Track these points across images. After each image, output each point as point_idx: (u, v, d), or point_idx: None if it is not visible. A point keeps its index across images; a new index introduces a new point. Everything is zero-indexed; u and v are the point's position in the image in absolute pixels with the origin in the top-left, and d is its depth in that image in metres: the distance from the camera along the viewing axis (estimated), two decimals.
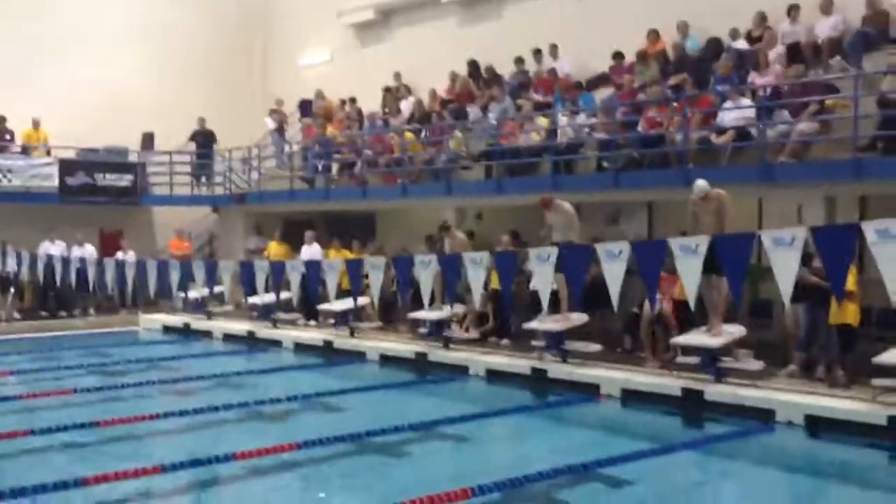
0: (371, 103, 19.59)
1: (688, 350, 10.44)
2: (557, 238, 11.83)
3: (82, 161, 19.83)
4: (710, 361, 9.99)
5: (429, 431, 8.80)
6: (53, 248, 18.06)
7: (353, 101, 20.09)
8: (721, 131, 12.17)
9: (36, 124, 19.58)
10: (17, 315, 17.98)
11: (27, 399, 10.35)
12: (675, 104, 13.00)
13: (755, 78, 12.82)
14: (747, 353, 10.26)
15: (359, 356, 13.66)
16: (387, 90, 19.70)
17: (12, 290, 17.91)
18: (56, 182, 19.17)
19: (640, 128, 13.29)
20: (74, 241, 18.41)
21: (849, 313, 9.56)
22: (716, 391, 9.63)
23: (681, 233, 11.06)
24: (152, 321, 18.03)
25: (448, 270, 11.68)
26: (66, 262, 16.44)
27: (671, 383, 10.08)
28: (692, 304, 9.24)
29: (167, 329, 17.53)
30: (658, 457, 7.76)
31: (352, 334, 14.56)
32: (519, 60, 17.07)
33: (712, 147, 12.22)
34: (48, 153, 19.64)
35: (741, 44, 13.69)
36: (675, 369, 10.46)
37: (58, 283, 16.86)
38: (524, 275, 12.59)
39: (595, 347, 11.67)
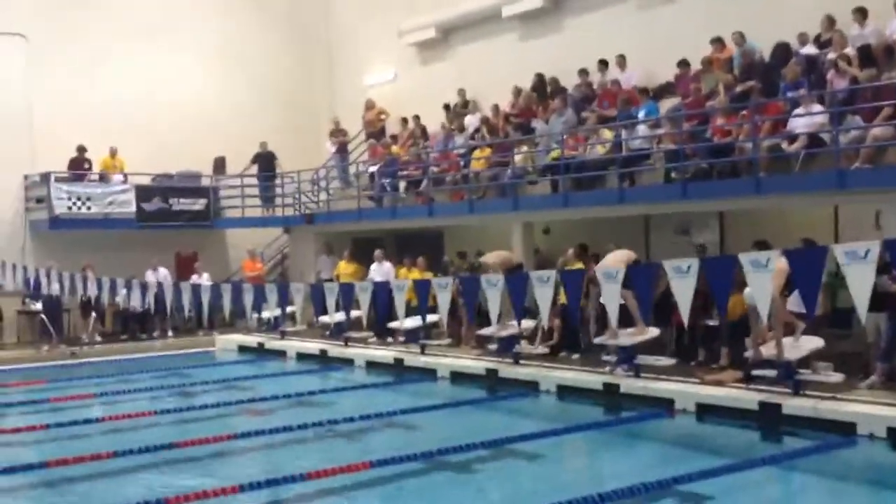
0: (435, 121, 19.74)
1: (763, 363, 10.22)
2: None
3: (158, 187, 20.40)
4: (788, 374, 9.76)
5: (501, 449, 8.77)
6: (156, 276, 18.39)
7: (417, 118, 20.26)
8: (792, 138, 11.93)
9: (113, 153, 20.19)
10: (98, 338, 18.55)
11: (110, 421, 10.68)
12: (743, 112, 12.78)
13: (834, 77, 12.41)
14: (826, 366, 9.99)
15: (429, 373, 13.72)
16: (446, 107, 19.81)
17: (94, 314, 18.47)
18: (133, 208, 19.75)
19: (709, 137, 13.09)
20: (149, 266, 18.89)
21: None
22: (794, 404, 9.39)
23: (754, 243, 10.90)
24: (228, 341, 18.41)
25: (514, 290, 11.62)
26: (143, 286, 16.86)
27: (748, 397, 9.87)
28: (764, 318, 9.03)
29: (242, 349, 17.88)
30: (737, 473, 7.59)
31: (422, 352, 14.65)
32: (583, 72, 16.97)
33: (784, 155, 11.99)
34: (125, 180, 20.26)
35: (809, 49, 13.39)
36: (752, 383, 10.23)
37: (138, 308, 17.26)
38: (594, 289, 12.48)
39: (667, 361, 11.53)
